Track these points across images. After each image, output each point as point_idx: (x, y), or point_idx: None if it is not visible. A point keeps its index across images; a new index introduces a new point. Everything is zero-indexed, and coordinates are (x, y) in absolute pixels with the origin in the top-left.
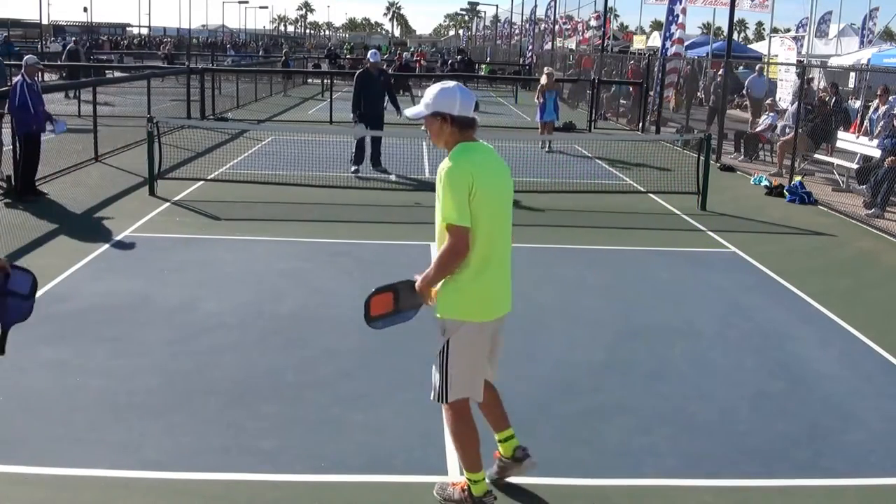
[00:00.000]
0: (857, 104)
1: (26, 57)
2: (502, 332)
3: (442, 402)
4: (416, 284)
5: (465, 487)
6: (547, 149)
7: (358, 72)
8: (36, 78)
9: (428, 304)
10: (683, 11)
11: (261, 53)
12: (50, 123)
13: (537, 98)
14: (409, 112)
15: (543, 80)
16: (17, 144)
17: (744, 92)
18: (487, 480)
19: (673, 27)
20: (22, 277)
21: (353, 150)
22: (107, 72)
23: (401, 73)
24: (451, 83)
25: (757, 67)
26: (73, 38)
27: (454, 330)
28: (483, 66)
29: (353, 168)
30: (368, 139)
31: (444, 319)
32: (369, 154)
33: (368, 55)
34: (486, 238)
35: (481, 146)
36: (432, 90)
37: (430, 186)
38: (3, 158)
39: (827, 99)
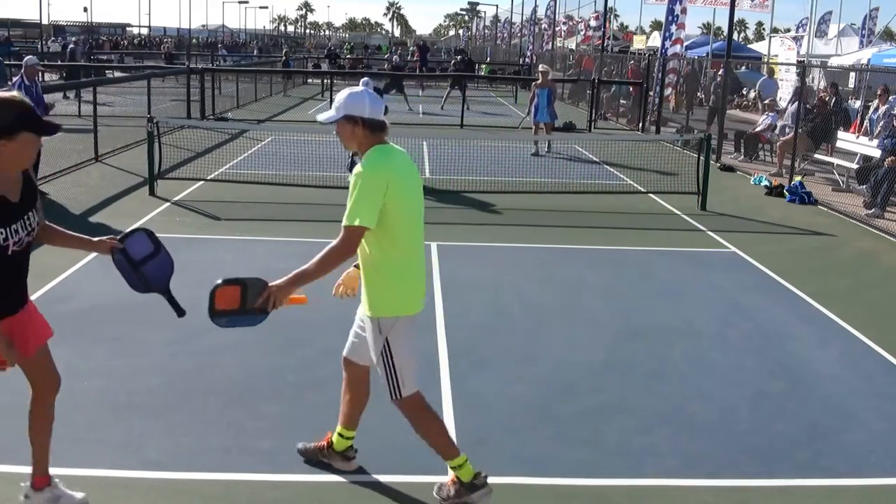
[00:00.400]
0: (857, 104)
1: (26, 58)
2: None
3: (397, 399)
4: (288, 279)
5: (455, 479)
6: (546, 150)
7: None
8: (36, 79)
9: (275, 308)
10: (684, 11)
11: (255, 53)
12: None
13: (530, 99)
14: (321, 117)
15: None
16: None
17: (743, 92)
18: (300, 447)
19: (673, 27)
20: (138, 240)
21: (350, 159)
22: (107, 72)
23: (395, 73)
24: (359, 88)
25: (766, 69)
26: (74, 39)
27: (390, 327)
28: (483, 66)
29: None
30: None
31: (379, 318)
32: None
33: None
34: (406, 235)
35: (395, 149)
36: (341, 95)
37: (429, 186)
38: None
39: (827, 99)
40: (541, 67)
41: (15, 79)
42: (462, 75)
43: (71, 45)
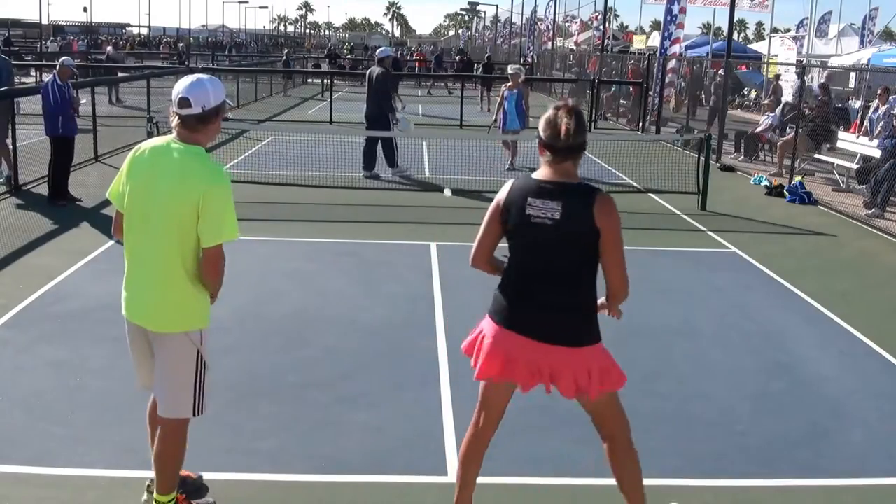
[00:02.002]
0: (858, 104)
1: (62, 59)
2: (153, 347)
3: (199, 413)
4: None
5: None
6: (508, 165)
7: (383, 72)
8: (68, 81)
9: None
10: (682, 11)
11: (226, 54)
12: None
13: (498, 104)
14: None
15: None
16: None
17: (744, 92)
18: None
19: (672, 27)
20: None
21: (363, 155)
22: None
23: (397, 74)
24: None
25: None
26: (112, 41)
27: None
28: (482, 65)
29: (365, 173)
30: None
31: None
32: (384, 156)
33: (381, 52)
34: (127, 232)
35: (162, 144)
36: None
37: (428, 185)
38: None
39: (823, 98)
40: (510, 69)
41: (47, 78)
42: (462, 75)
43: (110, 49)
